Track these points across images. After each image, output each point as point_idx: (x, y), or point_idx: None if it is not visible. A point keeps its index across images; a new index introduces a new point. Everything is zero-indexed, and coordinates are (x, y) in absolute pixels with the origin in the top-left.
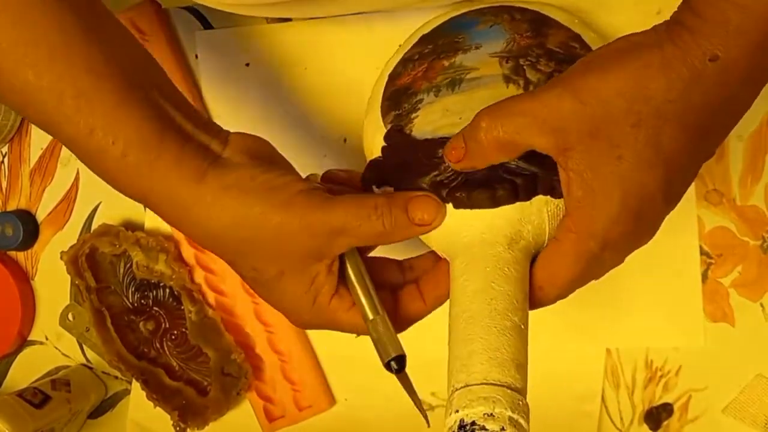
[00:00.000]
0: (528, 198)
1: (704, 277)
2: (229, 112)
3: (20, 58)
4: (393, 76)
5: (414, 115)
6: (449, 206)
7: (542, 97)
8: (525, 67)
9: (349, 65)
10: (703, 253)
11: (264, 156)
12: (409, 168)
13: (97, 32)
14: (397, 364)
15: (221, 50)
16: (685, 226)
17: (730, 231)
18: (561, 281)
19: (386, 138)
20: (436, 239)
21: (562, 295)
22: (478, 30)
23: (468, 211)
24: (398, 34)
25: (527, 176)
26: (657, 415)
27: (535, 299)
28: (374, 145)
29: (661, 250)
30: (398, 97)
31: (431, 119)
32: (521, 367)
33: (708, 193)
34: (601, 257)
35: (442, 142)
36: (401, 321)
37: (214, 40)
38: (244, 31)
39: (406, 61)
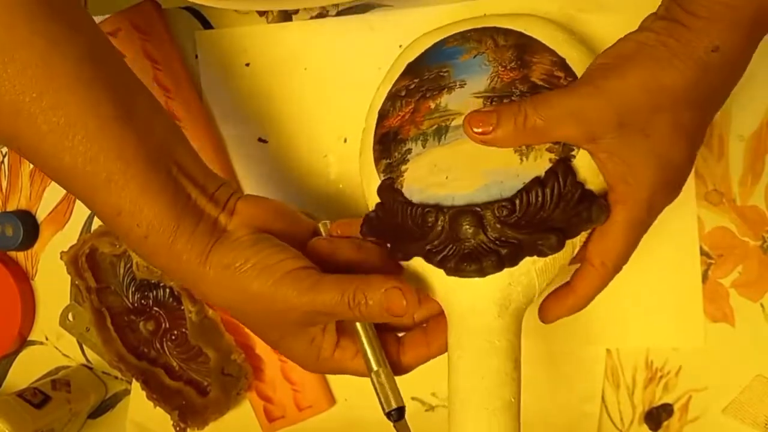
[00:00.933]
0: (514, 264)
1: (704, 277)
2: (229, 112)
3: (58, 142)
4: (382, 115)
5: (404, 167)
6: (442, 272)
7: (574, 93)
8: None
9: (349, 65)
10: (703, 253)
11: (268, 224)
12: (401, 231)
13: (128, 115)
14: (396, 413)
15: (221, 50)
16: (685, 226)
17: (730, 231)
18: (619, 251)
19: (379, 193)
20: (438, 297)
21: (621, 265)
22: (462, 62)
23: (459, 279)
24: (398, 34)
25: (512, 245)
26: (657, 415)
27: (599, 276)
28: (370, 191)
29: (661, 250)
30: (388, 143)
31: (420, 175)
32: None
33: (708, 193)
34: (647, 221)
35: (430, 211)
36: (405, 365)
37: (214, 40)
38: (244, 31)
39: (393, 97)
